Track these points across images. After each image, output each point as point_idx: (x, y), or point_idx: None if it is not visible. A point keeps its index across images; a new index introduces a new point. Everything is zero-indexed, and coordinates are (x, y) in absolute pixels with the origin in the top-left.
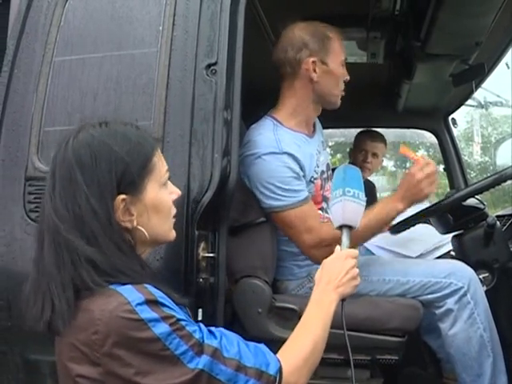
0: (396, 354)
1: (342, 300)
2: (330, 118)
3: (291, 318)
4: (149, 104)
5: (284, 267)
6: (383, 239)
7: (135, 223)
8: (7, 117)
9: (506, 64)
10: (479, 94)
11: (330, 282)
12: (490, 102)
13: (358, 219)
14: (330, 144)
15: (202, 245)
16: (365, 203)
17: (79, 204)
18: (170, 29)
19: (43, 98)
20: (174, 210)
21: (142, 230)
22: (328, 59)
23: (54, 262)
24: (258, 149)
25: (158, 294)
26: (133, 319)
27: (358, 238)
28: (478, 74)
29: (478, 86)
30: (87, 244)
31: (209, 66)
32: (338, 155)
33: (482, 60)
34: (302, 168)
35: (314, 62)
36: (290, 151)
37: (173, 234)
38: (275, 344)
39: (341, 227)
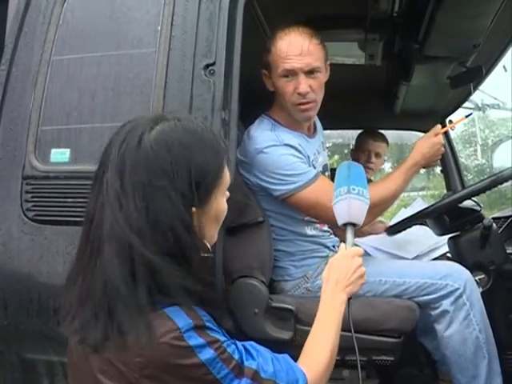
0: (392, 355)
1: (349, 298)
2: (328, 119)
3: (288, 318)
4: (147, 104)
5: (280, 267)
6: (379, 240)
7: (199, 235)
8: (5, 115)
9: (504, 67)
10: (477, 97)
11: (339, 282)
12: (488, 105)
13: (363, 217)
14: (328, 145)
15: None
16: (369, 201)
17: (164, 215)
18: (169, 29)
19: (41, 97)
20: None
21: (207, 243)
22: (271, 72)
23: (120, 277)
24: (259, 144)
25: (206, 318)
26: (181, 346)
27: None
28: (475, 76)
29: (475, 88)
30: (160, 261)
31: (207, 66)
32: (336, 156)
33: (480, 62)
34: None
35: (264, 73)
36: (290, 143)
37: (216, 239)
38: (271, 344)
39: (345, 225)
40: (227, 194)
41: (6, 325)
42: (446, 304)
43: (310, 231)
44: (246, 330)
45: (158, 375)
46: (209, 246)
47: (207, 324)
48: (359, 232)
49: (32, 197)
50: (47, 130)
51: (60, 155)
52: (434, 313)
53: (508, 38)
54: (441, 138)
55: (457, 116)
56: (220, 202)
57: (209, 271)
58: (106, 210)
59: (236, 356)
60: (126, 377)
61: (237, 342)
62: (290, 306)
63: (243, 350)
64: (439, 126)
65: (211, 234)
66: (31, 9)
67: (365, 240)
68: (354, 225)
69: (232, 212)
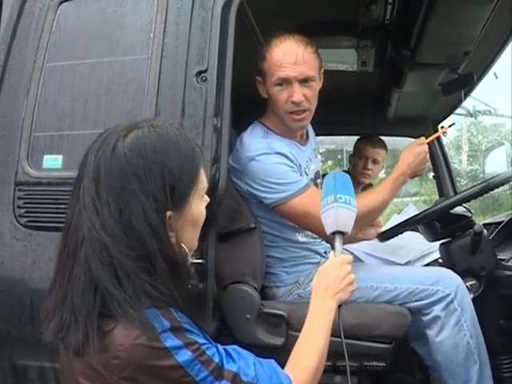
0: (383, 361)
1: (339, 306)
2: (321, 126)
3: (279, 324)
4: (139, 110)
5: (272, 274)
6: (372, 246)
7: (176, 239)
8: None
9: (495, 74)
10: (468, 103)
11: (328, 289)
12: (479, 111)
13: (351, 225)
14: (321, 151)
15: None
16: (356, 209)
17: (136, 219)
18: (161, 36)
19: (34, 104)
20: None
21: (184, 246)
22: (265, 79)
23: (88, 281)
24: (251, 152)
25: (183, 320)
26: (157, 347)
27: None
28: (466, 83)
29: (466, 95)
30: (136, 265)
31: (199, 73)
32: (329, 162)
33: (471, 69)
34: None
35: (258, 80)
36: (282, 151)
37: (196, 244)
38: (263, 349)
39: (333, 233)
40: (206, 198)
41: None
42: (437, 310)
43: (301, 238)
44: (238, 335)
45: (137, 377)
46: (187, 250)
47: (185, 326)
48: (352, 238)
49: (24, 203)
50: (40, 137)
51: (52, 161)
52: (426, 318)
53: (498, 46)
54: (425, 147)
55: (449, 122)
56: (197, 206)
57: (188, 273)
58: (82, 215)
59: (216, 359)
60: (106, 379)
61: (218, 345)
62: (281, 312)
63: (224, 353)
64: (423, 138)
65: (190, 238)
66: (24, 16)
67: (357, 246)
68: (342, 233)
69: (224, 218)
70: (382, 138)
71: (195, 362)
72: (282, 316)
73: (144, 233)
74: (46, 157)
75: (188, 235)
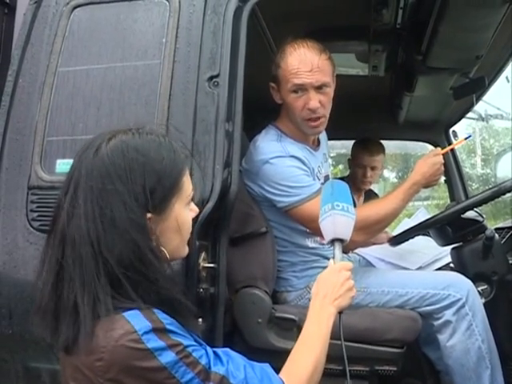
0: (395, 365)
1: (340, 312)
2: (332, 130)
3: (291, 328)
4: (151, 115)
5: (283, 279)
6: (383, 251)
7: (157, 243)
8: (11, 126)
9: (506, 77)
10: (480, 107)
11: (327, 296)
12: (491, 115)
13: (349, 232)
14: (332, 155)
15: (203, 255)
16: (354, 216)
17: (116, 217)
18: (173, 41)
19: (47, 108)
20: (190, 228)
21: (165, 251)
22: (279, 86)
23: (78, 280)
24: (265, 154)
25: (166, 321)
26: (139, 349)
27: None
28: (478, 87)
29: (478, 99)
30: (117, 264)
31: (211, 78)
32: (340, 166)
33: (483, 73)
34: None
35: (272, 86)
36: (296, 155)
37: (187, 250)
38: (274, 354)
39: (332, 241)
40: (195, 208)
41: (11, 334)
42: (448, 314)
43: (310, 243)
44: (250, 339)
45: (121, 379)
46: (167, 254)
47: (168, 327)
48: (362, 242)
49: (37, 207)
50: (53, 141)
51: (65, 166)
52: (437, 323)
53: (510, 50)
54: (441, 158)
55: (462, 130)
56: (180, 212)
57: (165, 276)
58: (61, 215)
59: (203, 361)
60: (93, 382)
61: (207, 347)
62: (293, 316)
63: (212, 356)
64: (439, 148)
65: (174, 244)
66: (38, 21)
67: (368, 250)
68: (341, 240)
69: (236, 222)
70: (394, 141)
71: (180, 363)
72: (293, 320)
73: (128, 231)
74: (58, 161)
75: (172, 241)
